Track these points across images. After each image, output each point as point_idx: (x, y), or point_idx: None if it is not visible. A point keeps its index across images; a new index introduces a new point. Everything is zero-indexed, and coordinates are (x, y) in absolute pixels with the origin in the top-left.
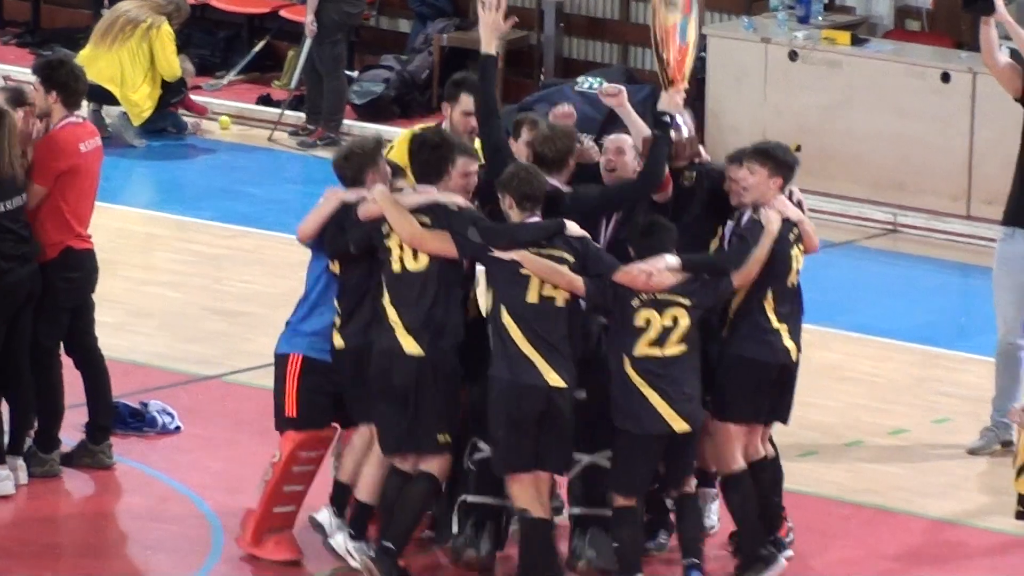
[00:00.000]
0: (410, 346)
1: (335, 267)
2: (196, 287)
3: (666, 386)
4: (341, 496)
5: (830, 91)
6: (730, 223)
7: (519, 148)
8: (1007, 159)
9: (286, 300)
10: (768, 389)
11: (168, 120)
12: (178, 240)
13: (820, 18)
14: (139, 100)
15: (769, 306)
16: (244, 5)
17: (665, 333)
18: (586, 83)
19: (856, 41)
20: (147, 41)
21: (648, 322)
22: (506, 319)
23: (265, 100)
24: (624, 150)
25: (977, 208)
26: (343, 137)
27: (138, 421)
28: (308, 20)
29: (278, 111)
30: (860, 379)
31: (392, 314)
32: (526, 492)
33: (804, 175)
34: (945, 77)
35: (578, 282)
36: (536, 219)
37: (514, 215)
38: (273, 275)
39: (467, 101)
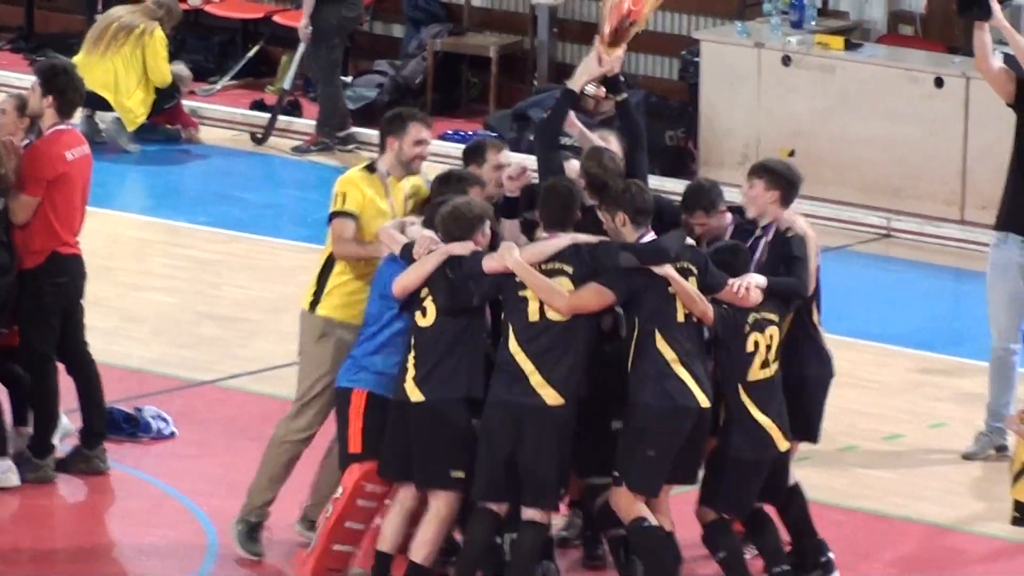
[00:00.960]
0: (552, 397)
1: (425, 319)
2: (190, 292)
3: (774, 407)
4: (385, 567)
5: (823, 96)
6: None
7: (488, 173)
8: (1000, 164)
9: (280, 305)
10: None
11: (161, 133)
12: (172, 245)
13: (813, 23)
14: (133, 106)
15: (815, 319)
16: (238, 11)
17: (767, 353)
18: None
19: (849, 46)
20: (140, 47)
21: (756, 345)
22: (661, 342)
23: (259, 105)
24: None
25: (971, 213)
26: (337, 143)
27: (132, 426)
28: (303, 24)
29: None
30: (854, 384)
31: (527, 365)
32: (639, 505)
33: None
34: (939, 82)
35: (710, 312)
36: (652, 235)
37: (627, 232)
38: (267, 280)
39: (416, 130)
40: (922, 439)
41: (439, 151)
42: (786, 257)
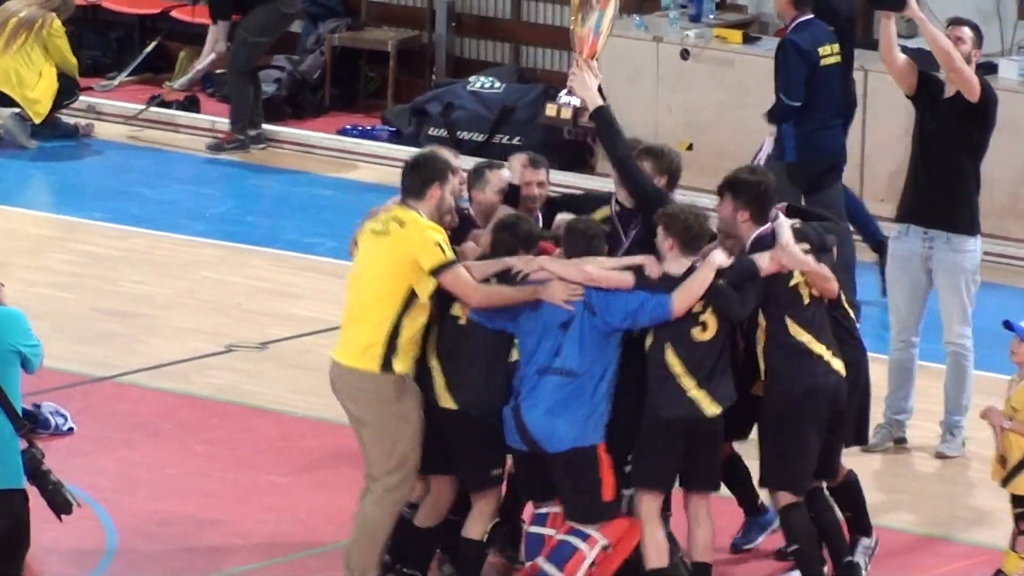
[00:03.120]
0: (841, 368)
1: (706, 333)
2: (89, 288)
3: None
4: None
5: (722, 89)
6: None
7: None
8: (899, 156)
9: (178, 301)
10: None
11: (59, 129)
12: (70, 241)
13: (712, 16)
14: (38, 96)
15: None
16: (135, 6)
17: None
18: (478, 82)
19: (747, 39)
20: (40, 39)
21: None
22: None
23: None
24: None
25: (870, 206)
26: (253, 140)
27: (31, 423)
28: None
29: (169, 111)
30: None
31: (820, 347)
32: None
33: (697, 174)
34: None
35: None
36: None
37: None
38: (166, 276)
39: (459, 178)
40: None
41: (336, 146)
42: None
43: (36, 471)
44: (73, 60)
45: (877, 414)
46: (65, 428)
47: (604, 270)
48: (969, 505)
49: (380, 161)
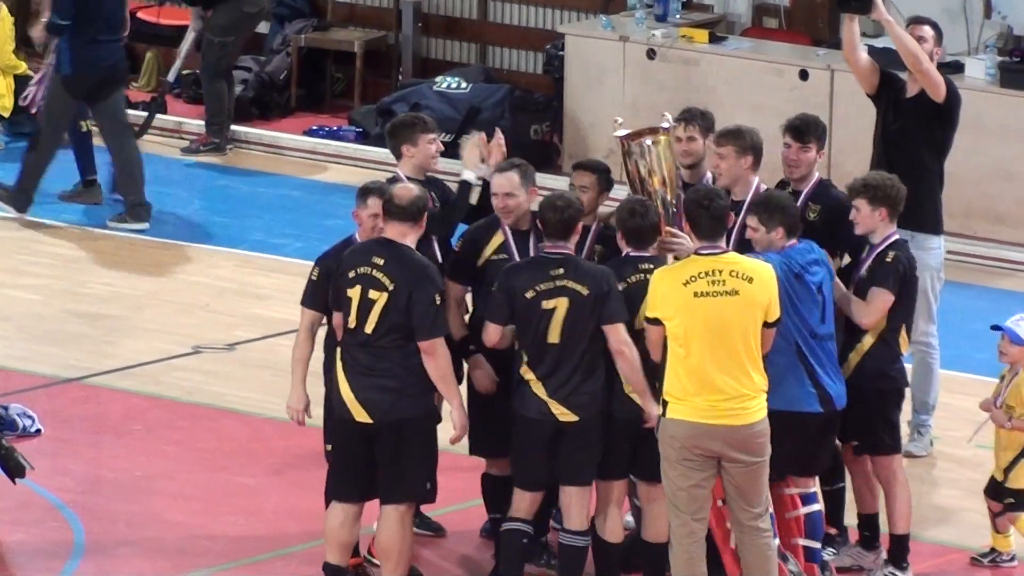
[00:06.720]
0: None
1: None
2: (56, 290)
3: None
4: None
5: (688, 89)
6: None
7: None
8: (865, 155)
9: (145, 302)
10: None
11: (27, 125)
12: (37, 243)
13: (678, 16)
14: (3, 90)
15: None
16: None
17: None
18: (444, 83)
19: (714, 39)
20: None
21: None
22: None
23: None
24: (513, 192)
25: None
26: (230, 142)
27: None
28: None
29: (137, 112)
30: None
31: None
32: None
33: None
34: (803, 74)
35: None
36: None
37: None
38: (133, 277)
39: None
40: None
41: (303, 147)
42: None
43: None
44: (11, 56)
45: None
46: (33, 430)
47: None
48: (937, 504)
49: (347, 162)
